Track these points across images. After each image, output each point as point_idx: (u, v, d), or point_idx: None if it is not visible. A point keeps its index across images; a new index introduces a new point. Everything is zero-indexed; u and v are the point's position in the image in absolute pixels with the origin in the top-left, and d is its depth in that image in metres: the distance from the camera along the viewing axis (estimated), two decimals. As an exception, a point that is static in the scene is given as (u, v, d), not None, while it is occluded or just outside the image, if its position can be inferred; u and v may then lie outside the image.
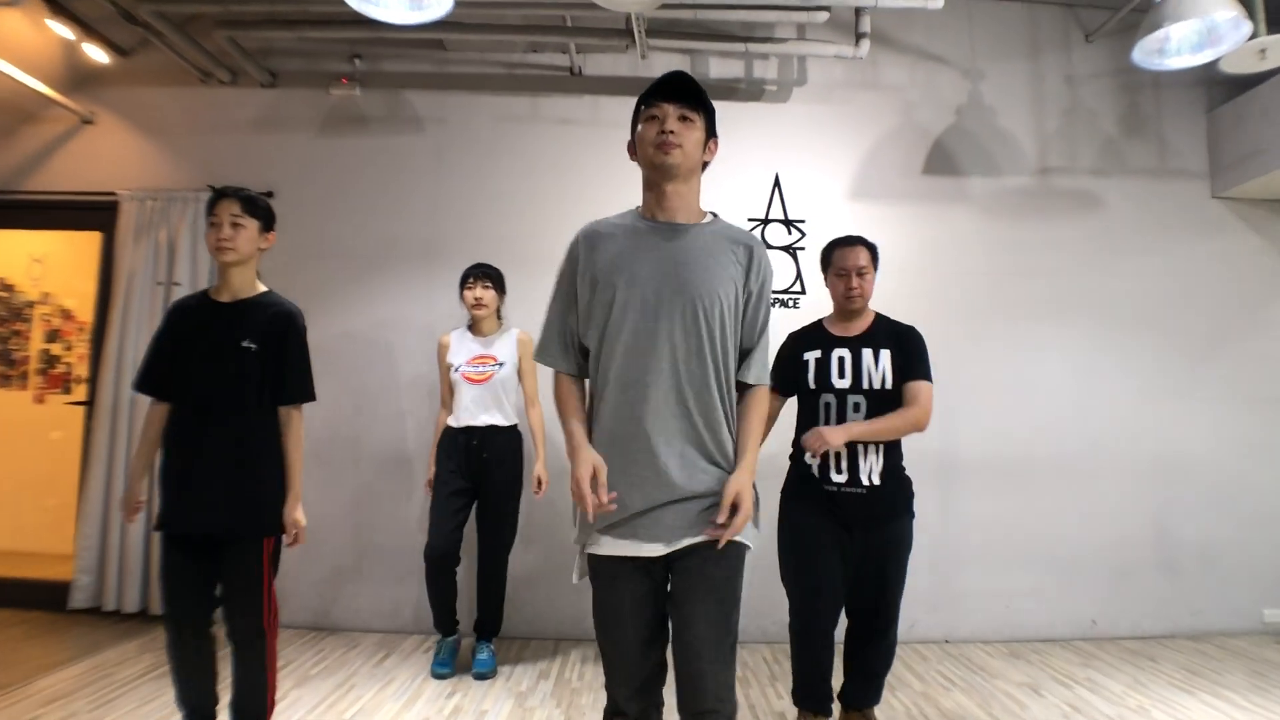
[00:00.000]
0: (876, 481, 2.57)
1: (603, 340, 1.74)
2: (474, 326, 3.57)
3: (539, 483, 3.44)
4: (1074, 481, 4.14)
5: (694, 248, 1.75)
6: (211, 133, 4.25)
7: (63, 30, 3.69)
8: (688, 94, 1.73)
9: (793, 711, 2.94)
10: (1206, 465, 4.20)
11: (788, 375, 2.71)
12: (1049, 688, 3.38)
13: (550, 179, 4.19)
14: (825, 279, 2.80)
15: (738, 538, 1.70)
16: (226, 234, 2.29)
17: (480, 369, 3.46)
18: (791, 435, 2.75)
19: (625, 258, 1.74)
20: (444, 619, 3.44)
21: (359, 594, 4.02)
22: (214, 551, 2.30)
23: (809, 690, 2.66)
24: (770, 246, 4.17)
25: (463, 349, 3.52)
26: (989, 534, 4.09)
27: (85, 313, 5.07)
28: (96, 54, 3.91)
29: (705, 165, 1.81)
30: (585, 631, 3.92)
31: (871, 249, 2.75)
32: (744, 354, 1.82)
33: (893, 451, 2.63)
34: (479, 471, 3.42)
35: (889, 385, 2.60)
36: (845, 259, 2.69)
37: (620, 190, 4.08)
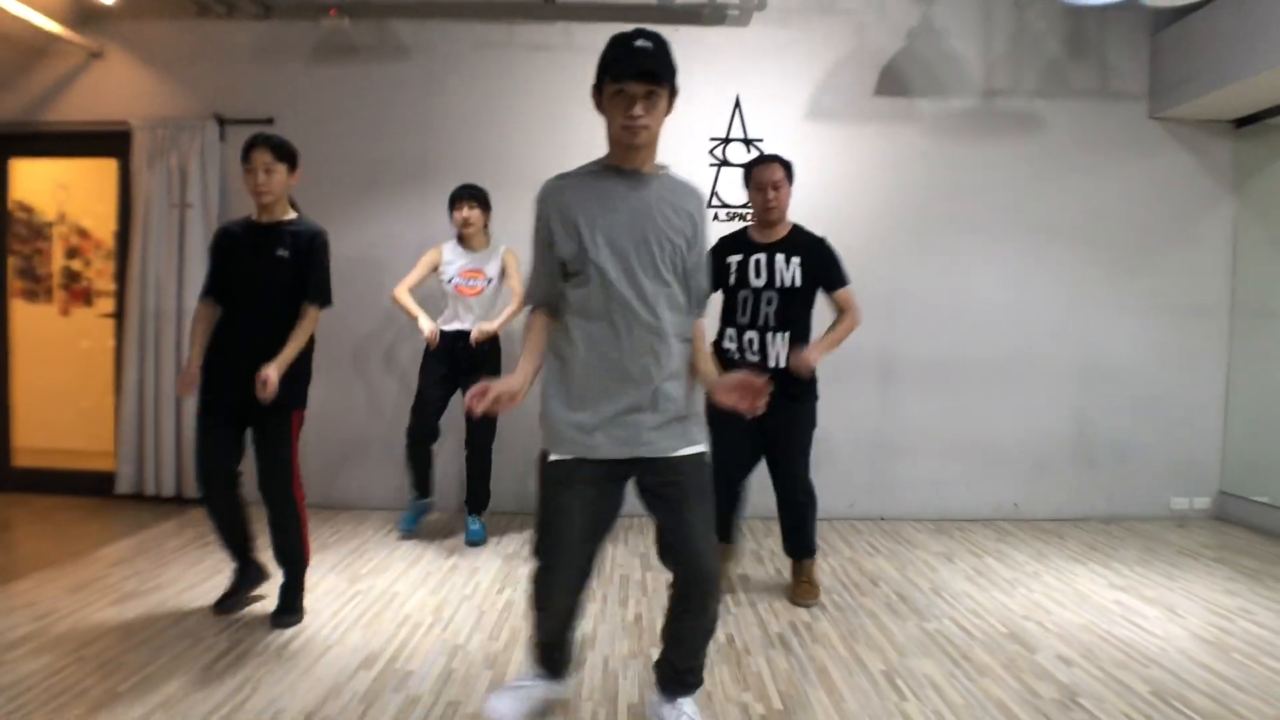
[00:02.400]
0: (782, 365, 3.08)
1: (579, 276, 1.91)
2: (463, 241, 3.99)
3: None
4: (1003, 382, 4.60)
5: (654, 198, 1.93)
6: (212, 63, 4.57)
7: (69, -30, 3.98)
8: (656, 72, 1.79)
9: (749, 570, 3.53)
10: (1128, 370, 4.63)
11: (712, 276, 3.17)
12: (961, 556, 3.92)
13: (527, 102, 4.52)
14: (747, 194, 3.21)
15: (698, 449, 2.00)
16: (262, 179, 2.73)
17: (472, 283, 3.91)
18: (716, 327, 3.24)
19: (596, 203, 1.91)
20: (420, 482, 4.01)
21: (364, 476, 4.58)
22: (244, 422, 2.83)
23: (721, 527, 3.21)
24: (730, 164, 4.53)
25: (456, 261, 3.95)
26: (923, 427, 4.58)
27: (101, 231, 5.48)
28: (102, -10, 4.20)
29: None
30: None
31: (786, 166, 3.15)
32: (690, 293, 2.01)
33: (798, 342, 3.11)
34: (466, 368, 3.90)
35: (798, 284, 3.10)
36: (762, 175, 3.12)
37: (586, 109, 4.38)
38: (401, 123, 4.57)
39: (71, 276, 5.87)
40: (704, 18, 4.49)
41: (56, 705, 2.23)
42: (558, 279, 1.96)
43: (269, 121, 4.50)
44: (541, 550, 2.04)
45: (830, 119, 4.53)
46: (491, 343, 3.96)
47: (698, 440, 2.02)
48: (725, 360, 3.14)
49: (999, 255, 4.58)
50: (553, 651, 2.18)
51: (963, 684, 2.52)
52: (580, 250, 1.90)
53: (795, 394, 3.12)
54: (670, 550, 1.97)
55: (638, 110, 1.82)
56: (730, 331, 3.16)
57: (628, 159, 1.93)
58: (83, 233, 5.86)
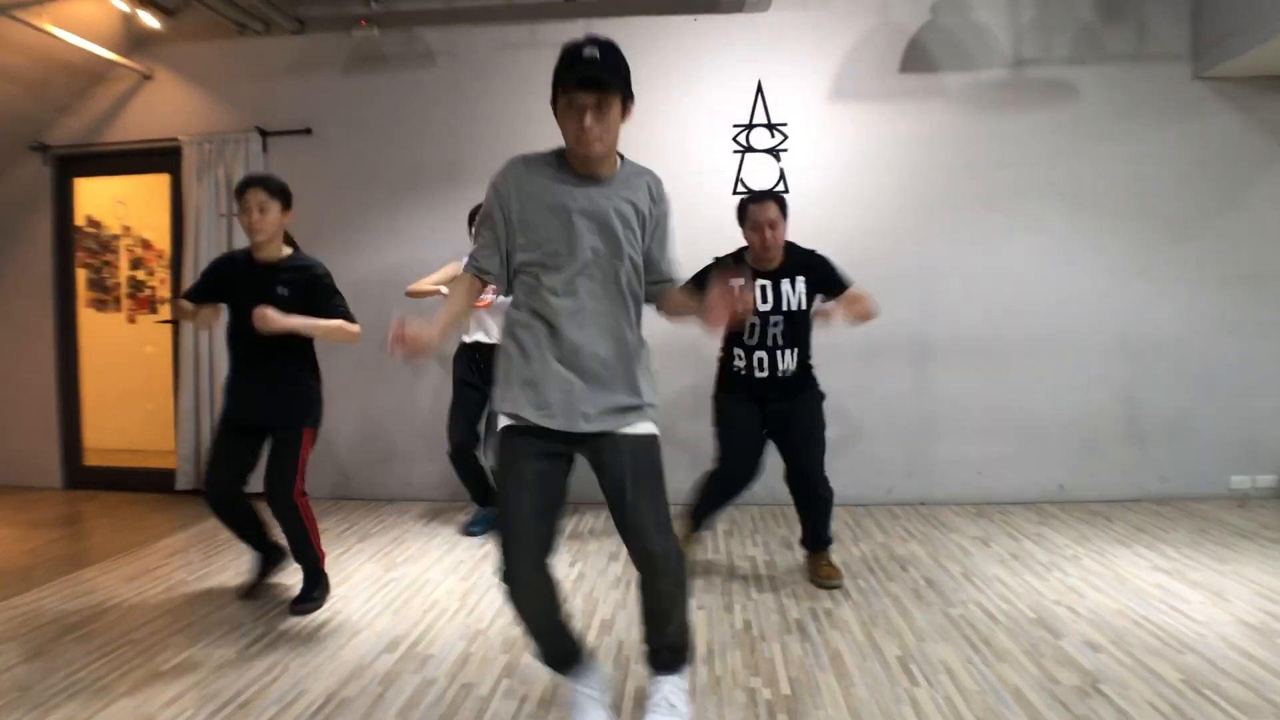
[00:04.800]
0: (791, 372, 3.19)
1: (535, 264, 1.94)
2: None
3: None
4: (1044, 358, 4.47)
5: (606, 197, 1.94)
6: (252, 79, 4.79)
7: (117, 1, 4.24)
8: (602, 80, 1.79)
9: (775, 557, 3.56)
10: (1176, 342, 4.45)
11: None
12: (998, 540, 3.83)
13: (549, 99, 4.56)
14: (743, 231, 3.18)
15: (646, 429, 1.99)
16: (256, 217, 2.85)
17: (484, 295, 3.96)
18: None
19: (556, 196, 1.92)
20: (477, 492, 4.09)
21: (410, 471, 4.74)
22: (259, 440, 3.01)
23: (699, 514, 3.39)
24: (754, 150, 4.53)
25: None
26: (962, 407, 4.49)
27: (161, 242, 5.78)
28: (148, 19, 4.44)
29: (624, 123, 1.93)
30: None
31: (780, 202, 3.15)
32: (654, 262, 2.03)
33: (804, 352, 3.22)
34: (490, 379, 3.97)
35: (804, 306, 3.16)
36: (758, 214, 3.10)
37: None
38: (432, 126, 4.70)
39: (136, 286, 6.23)
40: (723, 5, 4.48)
41: (104, 684, 2.41)
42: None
43: (307, 132, 4.69)
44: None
45: (854, 99, 4.47)
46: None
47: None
48: (733, 375, 3.27)
49: (1034, 229, 4.45)
50: (548, 644, 2.06)
51: (979, 669, 2.48)
52: (527, 228, 1.96)
53: (797, 393, 3.22)
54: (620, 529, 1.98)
55: (588, 120, 1.81)
56: (738, 351, 3.23)
57: (584, 167, 1.94)
58: (145, 244, 6.21)
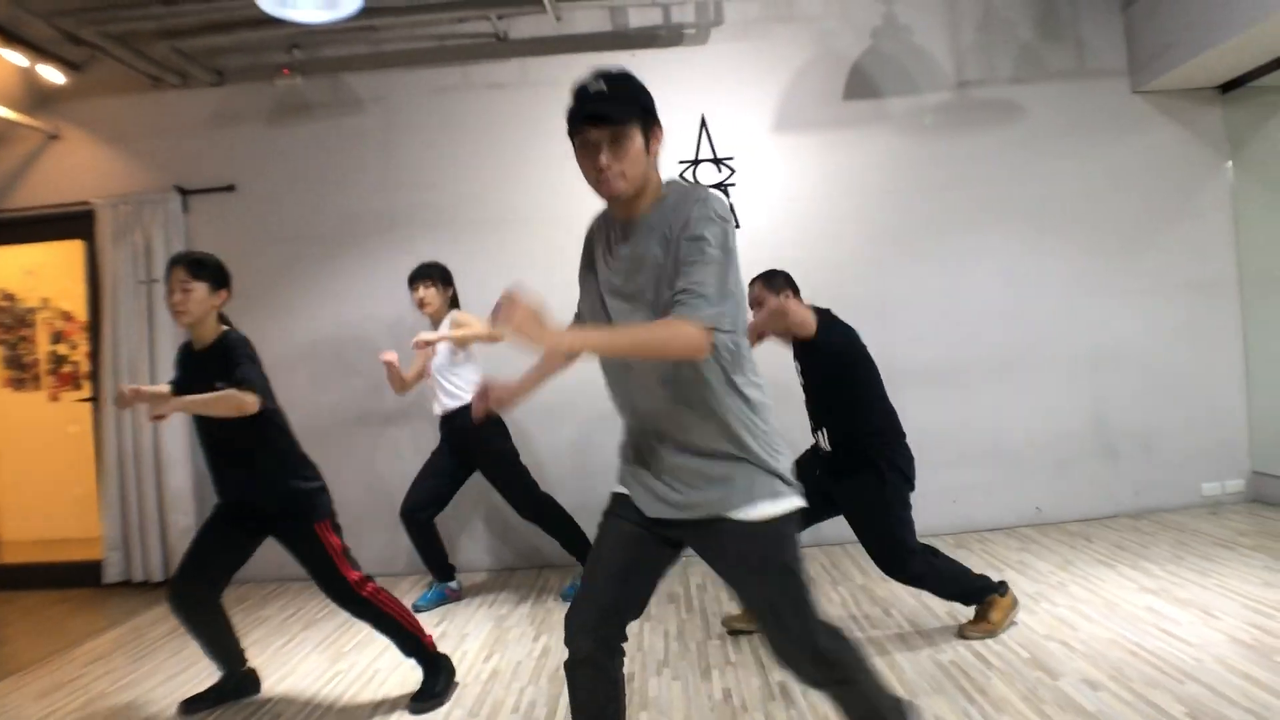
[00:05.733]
0: (828, 448, 3.00)
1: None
2: (434, 325, 3.80)
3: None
4: (1011, 380, 4.38)
5: (638, 243, 1.69)
6: (170, 135, 4.52)
7: (15, 57, 3.94)
8: (611, 113, 1.60)
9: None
10: (1140, 353, 4.40)
11: None
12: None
13: (486, 142, 4.41)
14: None
15: (752, 514, 1.66)
16: (178, 299, 2.58)
17: (430, 361, 3.75)
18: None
19: (597, 258, 1.81)
20: (427, 562, 3.80)
21: (357, 544, 4.41)
22: (254, 531, 2.75)
23: None
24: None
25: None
26: (932, 436, 4.30)
27: (83, 313, 5.43)
28: (52, 74, 4.17)
29: (657, 153, 1.73)
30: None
31: (768, 279, 3.00)
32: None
33: (838, 431, 2.96)
34: (458, 450, 3.74)
35: (815, 379, 3.07)
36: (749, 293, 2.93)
37: (549, 142, 4.29)
38: (364, 176, 4.48)
39: (58, 361, 5.84)
40: (661, 39, 4.38)
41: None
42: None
43: (230, 189, 4.45)
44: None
45: (800, 128, 4.39)
46: (465, 413, 3.58)
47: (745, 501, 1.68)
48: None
49: (991, 250, 4.39)
50: None
51: (979, 724, 2.31)
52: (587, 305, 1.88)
53: (842, 475, 2.95)
54: None
55: (603, 159, 1.60)
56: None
57: (620, 211, 1.73)
58: (67, 316, 5.84)
